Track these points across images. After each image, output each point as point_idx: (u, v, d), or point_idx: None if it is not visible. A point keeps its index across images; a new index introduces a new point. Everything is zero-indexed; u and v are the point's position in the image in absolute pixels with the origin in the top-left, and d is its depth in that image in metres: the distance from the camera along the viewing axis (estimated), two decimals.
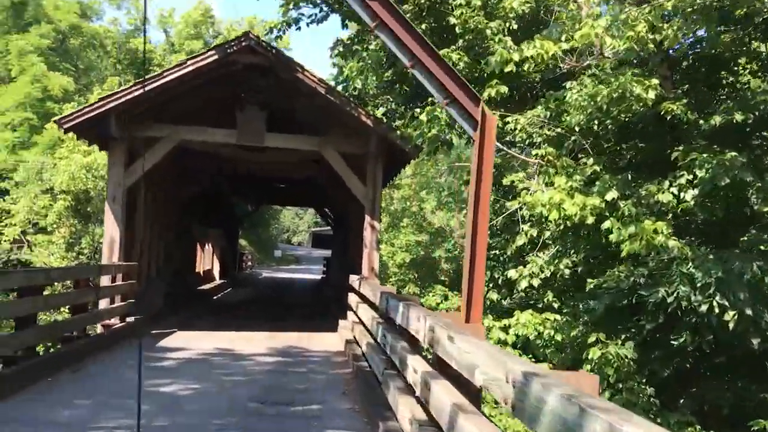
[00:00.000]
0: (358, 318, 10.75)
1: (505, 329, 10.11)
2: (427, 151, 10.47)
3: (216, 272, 25.42)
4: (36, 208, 24.39)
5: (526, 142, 10.40)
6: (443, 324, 4.12)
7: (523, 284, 10.16)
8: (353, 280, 12.03)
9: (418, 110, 10.18)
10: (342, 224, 22.57)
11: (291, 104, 14.11)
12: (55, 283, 14.35)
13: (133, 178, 12.55)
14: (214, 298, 21.77)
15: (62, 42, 32.66)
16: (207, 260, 24.54)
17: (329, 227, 49.43)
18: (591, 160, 8.98)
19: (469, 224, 4.75)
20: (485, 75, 11.07)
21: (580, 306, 9.28)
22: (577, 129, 9.22)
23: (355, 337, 11.10)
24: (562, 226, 9.00)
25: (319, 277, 35.25)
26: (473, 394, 4.08)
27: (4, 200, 26.02)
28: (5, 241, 25.61)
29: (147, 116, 12.81)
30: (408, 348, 5.49)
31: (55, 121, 11.73)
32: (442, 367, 4.27)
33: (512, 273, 10.47)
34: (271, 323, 15.31)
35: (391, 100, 13.20)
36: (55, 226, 23.77)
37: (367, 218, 12.91)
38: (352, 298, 11.90)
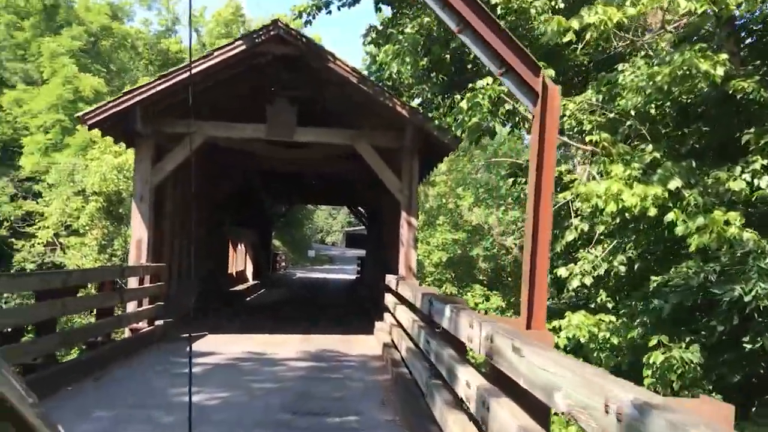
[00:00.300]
0: (396, 320, 10.11)
1: (555, 331, 9.36)
2: (467, 141, 9.76)
3: (249, 273, 25.02)
4: (68, 210, 24.22)
5: (575, 130, 9.63)
6: (505, 332, 3.44)
7: (575, 283, 9.41)
8: (390, 280, 11.39)
9: (458, 97, 9.49)
10: (376, 222, 21.96)
11: (322, 96, 13.54)
12: (89, 286, 14.02)
13: (160, 176, 12.08)
14: (247, 299, 21.32)
15: (94, 44, 32.60)
16: (240, 261, 24.14)
17: (363, 227, 48.95)
18: (650, 147, 8.18)
19: (529, 217, 4.04)
20: None
21: (639, 306, 8.49)
22: (632, 113, 8.43)
23: (393, 341, 10.46)
24: (617, 219, 8.24)
25: (353, 277, 34.74)
26: (541, 415, 3.40)
27: (37, 203, 25.94)
28: (38, 243, 25.53)
29: (173, 112, 12.33)
30: (457, 357, 4.82)
31: (78, 117, 11.30)
32: (502, 383, 3.59)
33: (562, 271, 9.72)
34: (304, 325, 14.77)
35: (427, 90, 12.53)
36: (87, 228, 23.56)
37: (404, 215, 12.25)
38: (389, 299, 11.27)
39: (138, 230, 11.93)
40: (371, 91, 11.19)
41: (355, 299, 22.50)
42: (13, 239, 26.88)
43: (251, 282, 24.43)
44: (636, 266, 9.18)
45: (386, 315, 11.99)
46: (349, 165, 17.16)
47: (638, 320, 8.63)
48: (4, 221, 26.89)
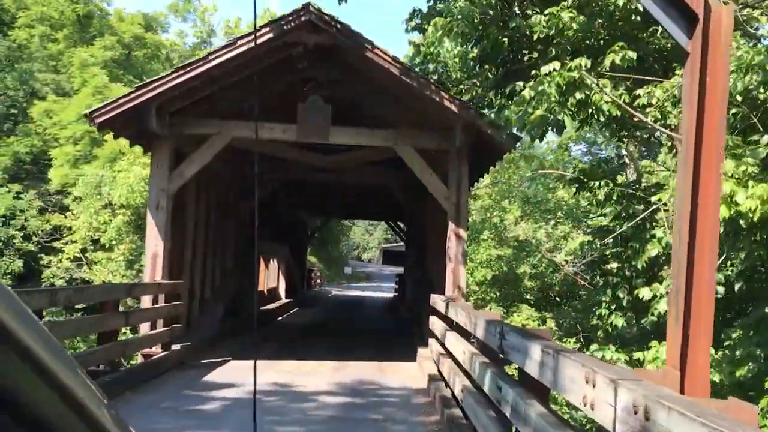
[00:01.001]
0: (445, 349, 8.60)
1: (638, 364, 7.74)
2: (530, 137, 8.25)
3: (282, 291, 23.69)
4: (96, 224, 23.24)
5: (659, 123, 8.05)
6: (681, 406, 1.92)
7: (661, 306, 7.78)
8: (436, 301, 9.89)
9: (519, 84, 7.99)
10: (417, 237, 20.44)
11: (360, 93, 12.18)
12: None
13: (179, 183, 10.81)
14: (279, 319, 19.96)
15: (127, 55, 31.91)
16: (272, 278, 22.83)
17: (401, 242, 47.42)
18: (766, 138, 6.58)
19: (681, 211, 2.55)
20: (603, 40, 8.83)
21: (751, 335, 6.85)
22: (739, 98, 6.84)
23: (441, 373, 8.94)
24: (724, 228, 6.63)
25: (390, 295, 33.19)
26: None
27: (65, 217, 25.04)
28: (66, 259, 24.61)
29: (194, 111, 11.09)
30: (554, 420, 3.30)
31: (86, 115, 10.08)
32: None
33: (644, 292, 8.11)
34: (339, 350, 13.32)
35: (478, 85, 11.07)
36: (114, 242, 22.53)
37: (451, 226, 10.76)
38: (437, 324, 9.76)
39: (153, 243, 10.64)
40: (415, 83, 9.75)
41: (394, 320, 20.99)
42: (43, 254, 26.07)
43: (284, 300, 23.08)
44: (738, 285, 7.52)
45: (432, 341, 10.49)
46: (388, 174, 15.75)
47: (747, 353, 6.98)
48: (33, 236, 26.06)
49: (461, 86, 11.15)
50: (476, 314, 6.07)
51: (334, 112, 11.27)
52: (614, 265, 9.70)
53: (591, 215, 23.09)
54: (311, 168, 15.27)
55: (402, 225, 31.16)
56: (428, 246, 16.32)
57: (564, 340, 22.11)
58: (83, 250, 23.99)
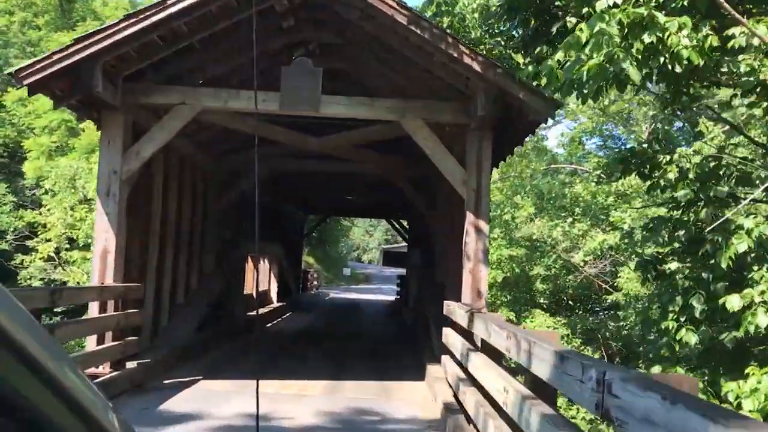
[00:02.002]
0: (466, 373, 6.59)
1: (735, 399, 5.72)
2: (582, 96, 6.23)
3: (273, 294, 21.66)
4: (71, 221, 21.24)
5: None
6: None
7: (762, 320, 5.78)
8: (454, 310, 7.87)
9: (571, 20, 5.99)
10: (423, 233, 18.40)
11: (358, 58, 10.17)
12: None
13: (135, 164, 8.79)
14: (268, 325, 17.93)
15: None
16: (263, 279, 20.79)
17: (403, 243, 45.40)
18: None
19: None
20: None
21: None
22: None
23: (460, 403, 6.93)
24: None
25: (392, 298, 31.14)
26: None
27: (40, 213, 23.00)
28: (39, 258, 22.59)
29: (154, 76, 9.10)
30: None
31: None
32: None
33: (733, 301, 6.10)
34: (332, 364, 11.34)
35: (502, 44, 9.05)
36: (90, 240, 20.51)
37: (469, 217, 8.74)
38: (453, 339, 7.75)
39: (102, 238, 8.63)
40: (427, 34, 7.69)
41: (396, 326, 18.96)
42: (20, 253, 24.06)
43: (275, 304, 21.05)
44: None
45: (446, 359, 8.49)
46: (389, 162, 13.75)
47: None
48: (5, 233, 24.05)
49: (481, 47, 9.12)
50: (531, 337, 4.06)
51: (328, 81, 9.28)
52: (675, 265, 7.68)
53: (615, 209, 21.08)
54: (301, 155, 13.27)
55: (405, 224, 29.14)
56: (437, 243, 14.30)
57: (583, 348, 20.13)
58: (57, 249, 21.97)
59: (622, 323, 19.39)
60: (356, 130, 10.85)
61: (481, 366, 5.67)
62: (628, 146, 27.70)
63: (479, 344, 6.06)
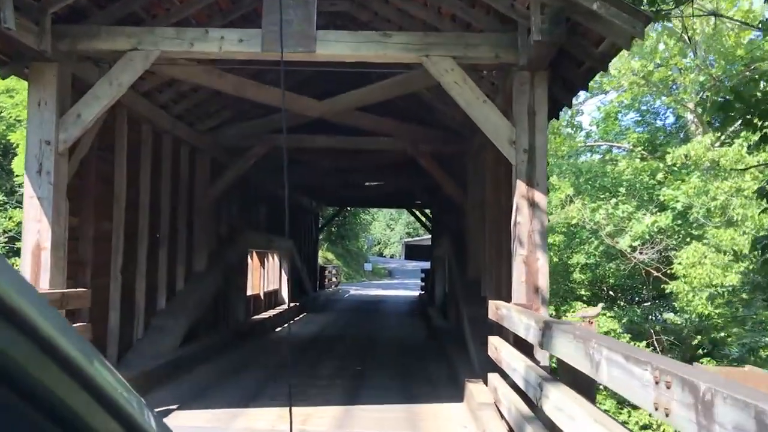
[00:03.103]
0: (534, 408, 4.36)
1: None
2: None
3: (285, 293, 19.51)
4: None
5: None
6: None
7: None
8: (510, 316, 5.59)
9: None
10: (451, 222, 16.14)
11: None
12: None
13: (74, 131, 6.64)
14: (277, 330, 15.80)
15: None
16: (272, 278, 18.66)
17: (426, 236, 43.25)
18: None
19: None
20: None
21: None
22: None
23: None
24: None
25: (416, 293, 28.90)
26: None
27: None
28: None
29: (98, 16, 6.95)
30: None
31: None
32: None
33: None
34: (348, 382, 9.18)
35: None
36: None
37: (521, 188, 6.46)
38: (508, 353, 5.51)
39: (34, 229, 6.50)
40: None
41: (423, 328, 16.72)
42: (10, 254, 22.21)
43: (286, 306, 18.92)
44: None
45: (494, 377, 6.28)
46: (407, 132, 11.52)
47: None
48: None
49: None
50: (719, 387, 1.84)
51: (326, 22, 7.07)
52: None
53: (665, 186, 18.66)
54: (303, 125, 11.08)
55: (428, 214, 26.84)
56: (470, 231, 12.04)
57: (634, 343, 17.70)
58: None
59: (682, 315, 16.96)
60: (366, 88, 8.63)
61: (574, 413, 3.42)
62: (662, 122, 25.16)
63: (577, 378, 3.79)
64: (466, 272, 11.96)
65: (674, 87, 21.97)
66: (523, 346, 5.41)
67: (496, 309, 6.30)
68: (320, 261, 32.38)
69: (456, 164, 12.94)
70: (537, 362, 5.26)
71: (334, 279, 33.65)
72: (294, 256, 20.42)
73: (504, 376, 5.93)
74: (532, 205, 6.45)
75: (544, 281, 6.42)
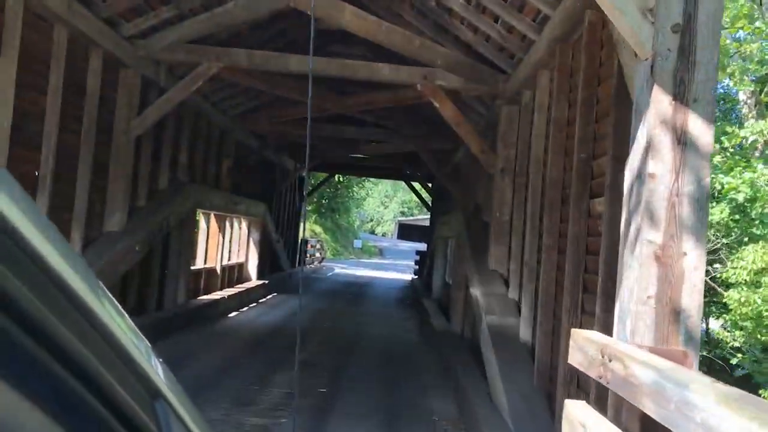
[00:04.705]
0: None
1: None
2: None
3: (252, 268, 16.19)
4: None
5: None
6: None
7: None
8: (646, 378, 2.23)
9: None
10: (464, 190, 12.79)
11: None
12: None
13: None
14: (233, 314, 12.51)
15: None
16: (235, 250, 15.31)
17: (423, 214, 40.05)
18: None
19: None
20: None
21: None
22: None
23: None
24: None
25: (407, 277, 25.58)
26: None
27: None
28: None
29: None
30: None
31: None
32: None
33: None
34: (308, 411, 5.92)
35: None
36: None
37: (659, 103, 3.13)
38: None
39: None
40: None
41: (417, 324, 13.43)
42: None
43: (253, 282, 15.60)
44: None
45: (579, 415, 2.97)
46: (422, 48, 8.13)
47: None
48: None
49: None
50: None
51: None
52: None
53: None
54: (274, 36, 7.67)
55: (430, 186, 23.44)
56: (500, 198, 8.60)
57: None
58: None
59: (733, 330, 13.70)
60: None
61: None
62: None
63: None
64: (484, 261, 8.61)
65: (733, 58, 18.48)
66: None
67: (601, 355, 2.96)
68: (307, 234, 29.08)
69: (480, 115, 9.60)
70: None
71: (317, 254, 30.32)
72: (267, 224, 17.06)
73: None
74: (682, 142, 3.11)
75: (694, 299, 3.09)
